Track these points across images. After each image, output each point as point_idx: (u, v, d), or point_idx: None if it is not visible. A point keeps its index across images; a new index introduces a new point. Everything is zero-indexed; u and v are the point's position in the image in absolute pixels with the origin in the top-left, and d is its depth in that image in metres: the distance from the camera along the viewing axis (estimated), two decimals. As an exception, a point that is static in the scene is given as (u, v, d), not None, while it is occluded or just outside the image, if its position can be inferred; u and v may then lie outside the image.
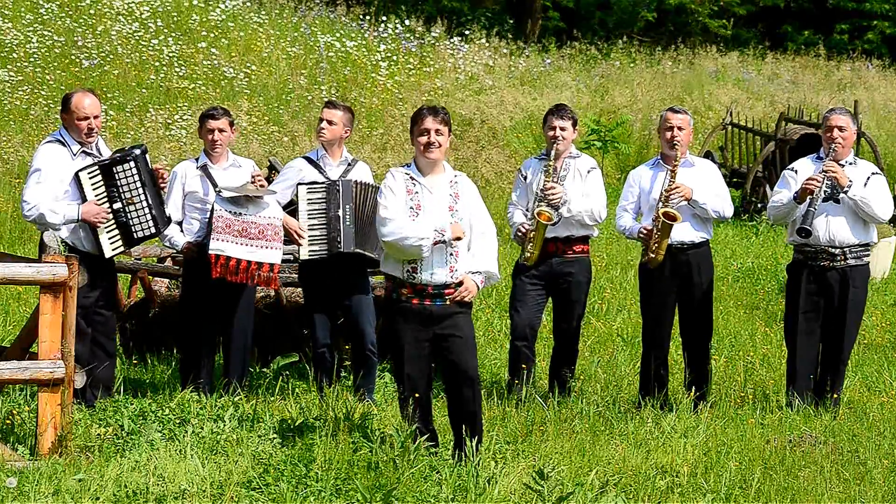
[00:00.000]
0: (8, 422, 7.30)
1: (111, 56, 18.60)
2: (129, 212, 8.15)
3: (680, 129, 8.74)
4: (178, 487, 6.25)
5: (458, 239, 6.88)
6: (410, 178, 6.97)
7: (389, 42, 21.81)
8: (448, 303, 6.91)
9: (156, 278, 9.64)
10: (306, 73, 19.93)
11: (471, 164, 18.75)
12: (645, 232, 8.66)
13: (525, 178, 8.85)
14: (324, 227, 8.57)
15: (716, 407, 8.59)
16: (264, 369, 9.18)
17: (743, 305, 12.42)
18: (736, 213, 17.29)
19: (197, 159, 8.75)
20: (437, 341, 6.95)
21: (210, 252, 8.26)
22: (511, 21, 28.52)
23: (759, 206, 17.08)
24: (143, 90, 18.07)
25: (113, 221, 8.12)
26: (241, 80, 19.10)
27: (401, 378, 7.05)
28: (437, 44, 22.45)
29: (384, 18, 22.81)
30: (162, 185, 8.36)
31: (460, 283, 6.92)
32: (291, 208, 8.74)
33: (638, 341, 9.64)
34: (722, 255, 14.20)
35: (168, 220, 8.40)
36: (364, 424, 7.22)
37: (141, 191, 8.16)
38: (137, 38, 19.18)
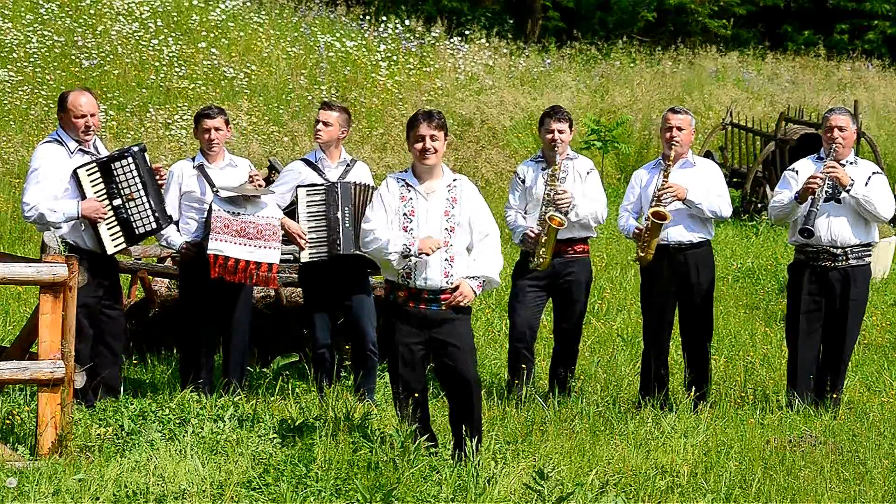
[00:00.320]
0: (8, 422, 7.30)
1: (111, 56, 18.59)
2: (130, 208, 8.15)
3: (679, 129, 8.74)
4: (178, 487, 6.24)
5: (427, 254, 6.80)
6: (406, 184, 6.97)
7: (389, 42, 21.81)
8: (444, 307, 6.89)
9: (156, 278, 9.64)
10: (306, 73, 19.93)
11: (471, 164, 18.75)
12: (637, 231, 8.68)
13: (522, 181, 8.83)
14: (323, 229, 8.56)
15: (716, 407, 8.59)
16: (264, 369, 9.18)
17: (743, 305, 12.42)
18: (736, 213, 17.30)
19: (193, 159, 8.75)
20: (433, 345, 6.94)
21: (209, 252, 8.26)
22: (511, 21, 28.51)
23: (759, 206, 17.08)
24: (143, 90, 18.07)
25: (114, 218, 8.12)
26: (241, 80, 19.10)
27: (395, 378, 7.06)
28: (437, 44, 22.45)
29: (384, 18, 22.81)
30: (161, 182, 8.37)
31: (457, 288, 6.90)
32: (291, 209, 8.74)
33: (638, 341, 9.64)
34: (722, 255, 14.20)
35: (169, 218, 8.39)
36: (364, 424, 7.22)
37: (140, 187, 8.16)
38: (137, 38, 19.18)
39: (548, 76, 23.32)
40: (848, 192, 8.51)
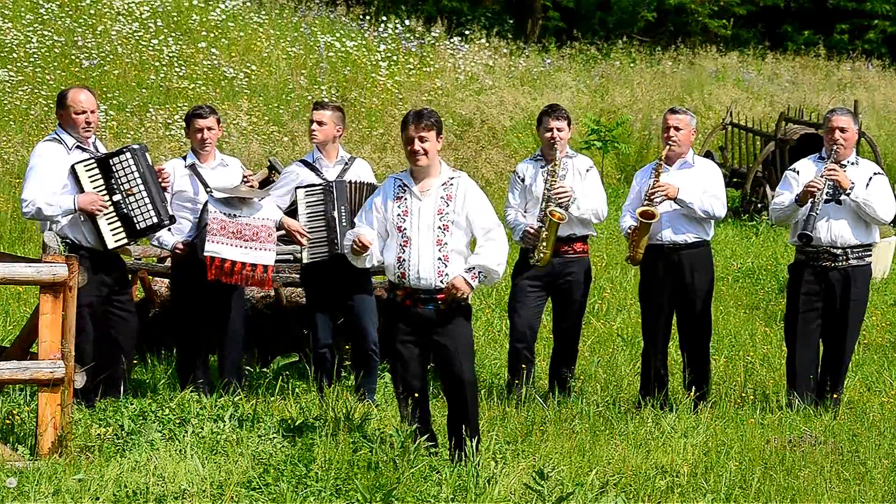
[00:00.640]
0: (8, 422, 7.30)
1: (111, 56, 18.59)
2: (130, 202, 8.13)
3: (677, 129, 8.75)
4: (178, 487, 6.24)
5: (364, 247, 6.84)
6: (402, 184, 6.96)
7: (389, 42, 21.80)
8: (442, 307, 6.86)
9: (156, 278, 9.64)
10: (306, 73, 19.93)
11: (471, 164, 18.75)
12: (630, 230, 8.69)
13: (522, 180, 8.84)
14: (323, 229, 8.56)
15: (716, 407, 8.59)
16: (264, 369, 9.17)
17: (743, 305, 12.42)
18: (736, 213, 17.36)
19: (185, 158, 8.74)
20: (431, 345, 6.93)
21: (205, 254, 8.26)
22: (511, 21, 28.51)
23: (759, 206, 17.08)
24: (143, 90, 18.07)
25: (114, 213, 8.10)
26: (241, 80, 19.10)
27: (396, 378, 7.07)
28: (437, 44, 22.45)
29: (384, 18, 22.80)
30: (164, 184, 8.34)
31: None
32: (292, 209, 8.74)
33: (638, 341, 9.65)
34: (722, 255, 14.20)
35: (172, 217, 8.34)
36: (364, 424, 7.22)
37: (140, 181, 8.13)
38: (137, 38, 19.18)
39: (548, 76, 23.32)
40: (848, 195, 8.50)
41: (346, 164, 8.80)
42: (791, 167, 8.98)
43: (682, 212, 8.69)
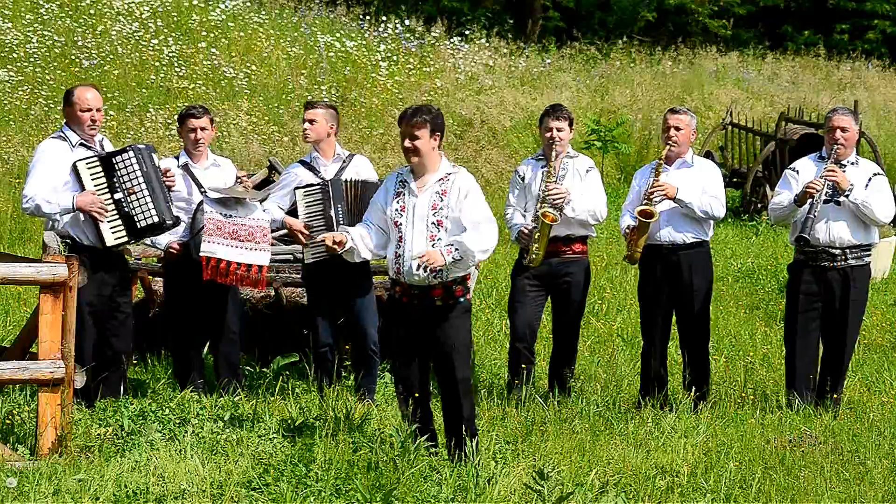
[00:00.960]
0: (8, 422, 7.30)
1: (111, 56, 18.59)
2: (131, 201, 8.11)
3: (677, 128, 8.75)
4: (178, 487, 6.24)
5: (339, 244, 6.90)
6: (402, 180, 6.97)
7: (389, 42, 21.81)
8: (439, 303, 6.85)
9: (156, 278, 9.63)
10: (306, 73, 19.93)
11: (471, 164, 18.75)
12: (629, 229, 8.70)
13: (522, 179, 8.84)
14: (322, 228, 8.56)
15: (716, 407, 8.59)
16: (264, 369, 9.17)
17: (743, 305, 12.42)
18: (736, 213, 17.36)
19: (177, 157, 8.73)
20: (428, 343, 6.93)
21: (201, 254, 8.25)
22: (511, 21, 28.51)
23: (759, 206, 17.08)
24: (143, 90, 18.07)
25: (115, 211, 8.09)
26: (241, 80, 19.10)
27: (397, 377, 7.07)
28: (437, 44, 22.45)
29: (384, 18, 22.81)
30: (169, 183, 8.30)
31: (448, 286, 6.83)
32: (292, 209, 8.74)
33: (638, 341, 9.64)
34: (722, 255, 14.21)
35: (177, 218, 8.31)
36: (364, 424, 7.21)
37: (142, 181, 8.10)
38: (137, 38, 19.18)
39: (548, 76, 23.32)
40: (847, 196, 8.50)
41: (344, 161, 8.79)
42: (791, 166, 8.98)
43: (681, 211, 8.69)
